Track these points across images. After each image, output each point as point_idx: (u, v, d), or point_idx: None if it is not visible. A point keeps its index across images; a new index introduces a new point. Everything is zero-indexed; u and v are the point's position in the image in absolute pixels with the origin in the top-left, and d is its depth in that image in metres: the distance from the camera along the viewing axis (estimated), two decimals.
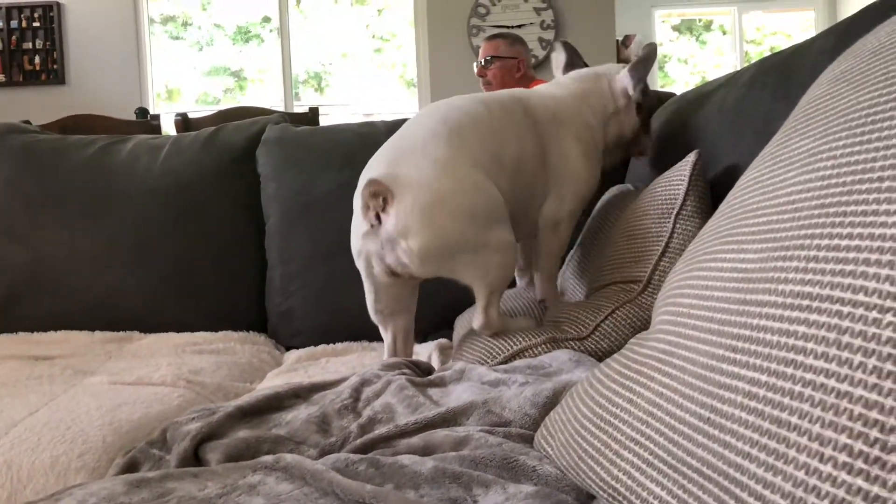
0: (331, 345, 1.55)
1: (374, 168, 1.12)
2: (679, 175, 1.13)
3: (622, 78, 1.36)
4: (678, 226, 1.09)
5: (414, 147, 1.12)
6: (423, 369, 1.10)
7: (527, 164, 1.20)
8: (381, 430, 0.83)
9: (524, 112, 1.24)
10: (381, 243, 1.09)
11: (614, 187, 1.49)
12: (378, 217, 1.08)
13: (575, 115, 1.29)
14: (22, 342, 1.61)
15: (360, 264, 1.16)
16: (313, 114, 3.29)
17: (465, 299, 1.38)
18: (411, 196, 1.05)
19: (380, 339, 1.55)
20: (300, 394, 0.99)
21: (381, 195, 1.06)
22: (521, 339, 1.12)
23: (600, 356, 1.07)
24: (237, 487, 0.67)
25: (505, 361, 1.09)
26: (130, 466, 0.88)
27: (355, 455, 0.74)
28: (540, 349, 1.09)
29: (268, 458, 0.73)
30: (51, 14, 5.84)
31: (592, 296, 1.19)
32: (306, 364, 1.43)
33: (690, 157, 1.13)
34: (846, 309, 0.42)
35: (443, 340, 1.46)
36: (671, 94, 1.68)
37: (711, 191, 1.12)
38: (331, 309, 1.61)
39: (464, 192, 1.08)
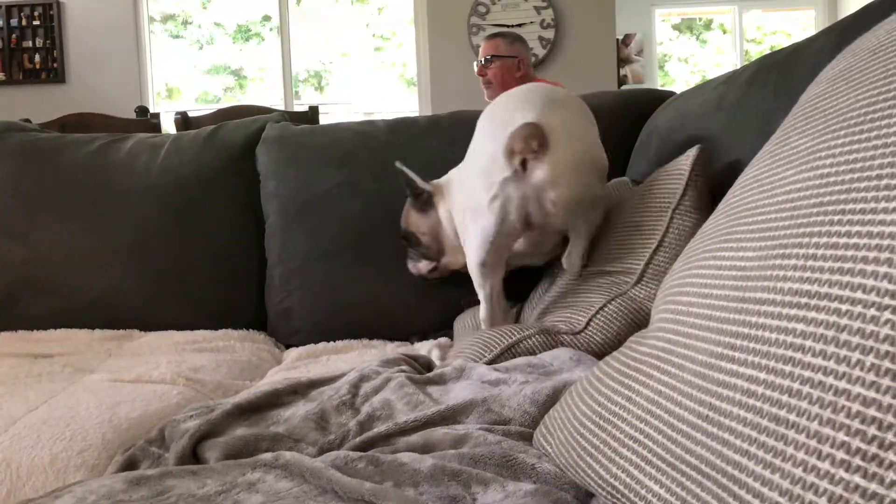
0: (331, 342, 1.55)
1: (525, 114, 1.10)
2: (679, 170, 1.12)
3: None
4: (675, 220, 1.09)
5: (560, 102, 1.16)
6: (423, 364, 1.10)
7: None
8: (380, 428, 0.83)
9: None
10: (523, 191, 1.09)
11: (613, 180, 1.49)
12: (524, 164, 1.07)
13: None
14: (21, 340, 1.61)
15: (493, 209, 1.13)
16: (313, 112, 3.29)
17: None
18: (564, 147, 1.07)
19: (379, 336, 1.56)
20: (298, 390, 0.99)
21: (536, 140, 1.06)
22: (515, 332, 1.12)
23: (594, 349, 1.07)
24: (236, 485, 0.68)
25: (500, 354, 1.09)
26: (129, 464, 0.88)
27: (354, 453, 0.74)
28: (534, 340, 1.09)
29: (267, 456, 0.73)
30: (51, 12, 5.84)
31: (583, 286, 1.18)
32: (307, 361, 1.43)
33: (691, 152, 1.12)
34: (844, 307, 0.42)
35: (442, 339, 1.46)
36: (671, 93, 1.67)
37: (711, 189, 1.12)
38: (330, 307, 1.61)
39: (600, 148, 1.17)
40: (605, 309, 1.09)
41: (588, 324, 1.09)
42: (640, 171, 1.53)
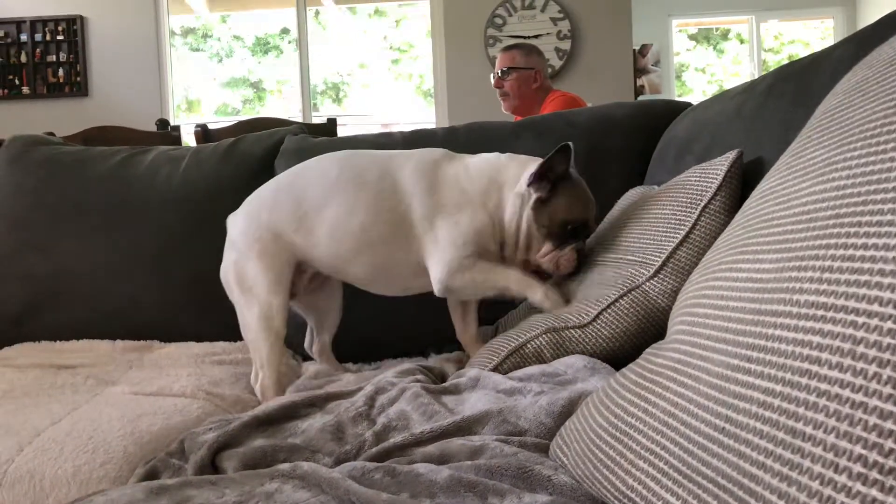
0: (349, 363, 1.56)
1: None
2: (716, 169, 1.10)
3: None
4: (703, 219, 1.07)
5: None
6: (437, 374, 1.11)
7: None
8: (396, 439, 0.83)
9: None
10: None
11: (636, 188, 1.48)
12: None
13: None
14: (44, 350, 1.63)
15: None
16: (331, 124, 3.30)
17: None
18: None
19: (394, 348, 1.56)
20: (315, 402, 1.00)
21: None
22: (521, 333, 1.12)
23: (602, 343, 1.07)
24: (255, 495, 0.68)
25: (507, 357, 1.09)
26: (150, 476, 0.89)
27: (371, 463, 0.75)
28: (541, 340, 1.09)
29: (285, 466, 0.74)
30: (74, 27, 5.93)
31: (600, 275, 1.18)
32: (326, 380, 1.43)
33: (731, 155, 1.10)
34: (861, 319, 0.42)
35: (456, 354, 1.47)
36: (688, 104, 1.67)
37: (743, 195, 1.10)
38: (345, 319, 1.61)
39: None
40: (617, 304, 1.08)
41: (597, 317, 1.08)
42: (658, 181, 1.52)
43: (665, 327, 0.96)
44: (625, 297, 1.08)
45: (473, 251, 1.25)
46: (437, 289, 1.27)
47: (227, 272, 1.40)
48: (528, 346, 1.10)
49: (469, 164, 1.32)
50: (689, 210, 1.10)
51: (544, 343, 1.09)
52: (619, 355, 1.05)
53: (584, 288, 1.18)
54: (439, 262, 1.26)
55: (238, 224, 1.42)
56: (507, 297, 1.29)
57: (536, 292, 1.22)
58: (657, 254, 1.09)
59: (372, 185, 1.31)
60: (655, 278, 1.07)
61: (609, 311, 1.08)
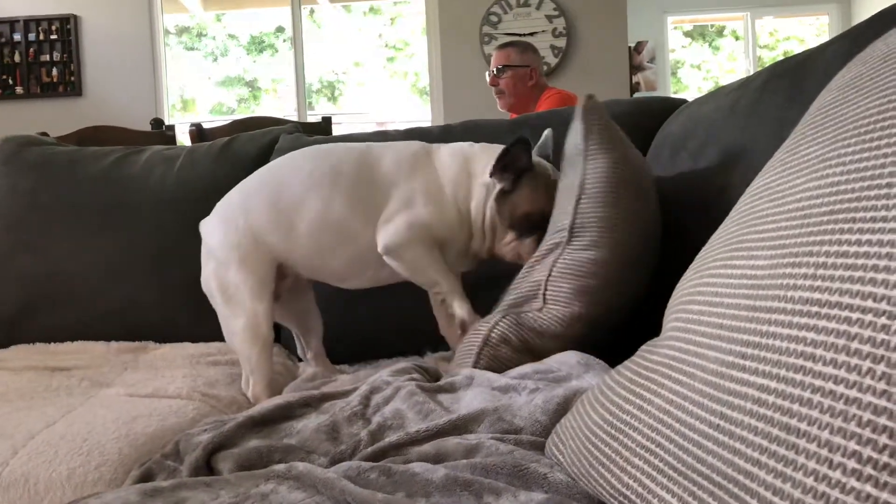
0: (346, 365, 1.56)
1: None
2: (575, 125, 1.18)
3: None
4: (588, 165, 1.12)
5: None
6: (432, 373, 1.10)
7: None
8: (391, 438, 0.83)
9: None
10: None
11: None
12: None
13: None
14: (39, 353, 1.62)
15: None
16: (326, 123, 3.30)
17: None
18: None
19: (389, 347, 1.56)
20: (310, 402, 1.00)
21: None
22: (482, 325, 1.14)
23: (558, 315, 1.09)
24: (249, 496, 0.68)
25: (480, 351, 1.10)
26: (145, 478, 0.88)
27: (367, 463, 0.75)
28: (501, 326, 1.10)
29: (280, 467, 0.74)
30: (68, 27, 5.92)
31: (529, 266, 1.20)
32: (323, 381, 1.43)
33: (579, 103, 1.19)
34: (855, 315, 0.42)
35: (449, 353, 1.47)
36: (684, 101, 1.67)
37: (723, 195, 1.11)
38: (340, 318, 1.61)
39: None
40: (550, 279, 1.11)
41: (544, 300, 1.10)
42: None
43: (610, 278, 1.08)
44: (553, 269, 1.11)
45: (428, 240, 1.28)
46: (380, 248, 1.30)
47: (209, 281, 1.38)
48: (493, 334, 1.11)
49: (443, 154, 1.34)
50: (573, 169, 1.16)
51: (506, 327, 1.11)
52: (589, 319, 1.08)
53: (518, 283, 1.21)
54: (394, 228, 1.28)
55: (214, 231, 1.39)
56: (436, 295, 1.34)
57: (463, 306, 1.27)
58: (565, 217, 1.14)
59: (348, 177, 1.31)
60: (573, 239, 1.11)
61: (548, 290, 1.10)
